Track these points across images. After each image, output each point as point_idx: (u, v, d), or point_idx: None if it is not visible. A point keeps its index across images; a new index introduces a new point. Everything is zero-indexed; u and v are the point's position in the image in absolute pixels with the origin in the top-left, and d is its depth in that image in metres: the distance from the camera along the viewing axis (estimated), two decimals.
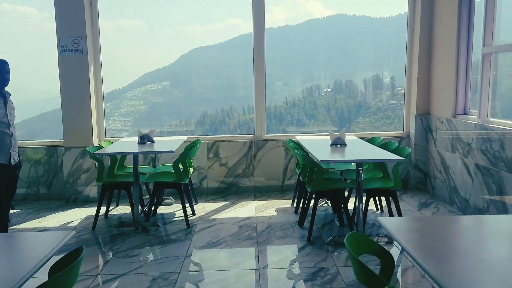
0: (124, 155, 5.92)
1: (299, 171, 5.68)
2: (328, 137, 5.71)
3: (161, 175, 5.49)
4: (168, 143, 5.72)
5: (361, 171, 4.37)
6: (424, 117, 6.45)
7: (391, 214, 4.96)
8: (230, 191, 6.74)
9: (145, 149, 5.38)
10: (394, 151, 4.80)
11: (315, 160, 4.46)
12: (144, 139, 5.67)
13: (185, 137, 6.28)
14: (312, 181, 4.61)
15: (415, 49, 6.49)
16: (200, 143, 5.90)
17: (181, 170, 5.38)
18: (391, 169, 4.91)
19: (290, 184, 6.74)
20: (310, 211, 4.89)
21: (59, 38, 6.28)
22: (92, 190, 6.43)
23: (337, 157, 4.70)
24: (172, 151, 4.99)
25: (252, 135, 6.81)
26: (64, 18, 6.25)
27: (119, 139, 6.43)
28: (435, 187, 6.17)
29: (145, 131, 5.74)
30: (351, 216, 4.91)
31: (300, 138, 5.99)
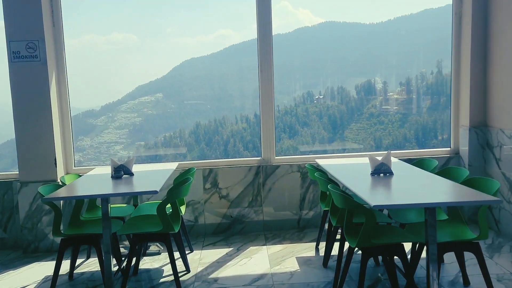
0: None
1: (326, 208, 4.28)
2: (361, 160, 4.38)
3: (143, 221, 4.05)
4: (151, 175, 4.31)
5: (433, 218, 2.96)
6: (480, 130, 5.06)
7: (465, 278, 3.55)
8: (234, 230, 5.32)
9: (120, 187, 3.94)
10: (467, 183, 3.38)
11: (365, 205, 3.05)
12: (120, 171, 4.25)
13: (175, 164, 4.87)
14: (355, 232, 3.20)
15: (465, 43, 5.11)
16: (194, 174, 4.49)
17: (169, 213, 3.96)
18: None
19: (309, 219, 5.33)
20: (341, 264, 3.46)
21: (9, 42, 4.87)
22: None
23: (394, 198, 3.26)
24: (155, 192, 3.55)
25: (258, 158, 5.41)
26: (16, 16, 4.84)
27: (93, 168, 5.03)
28: (502, 222, 4.76)
29: (121, 161, 4.35)
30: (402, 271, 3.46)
31: (322, 163, 4.59)
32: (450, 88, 5.38)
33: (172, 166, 4.74)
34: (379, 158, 3.92)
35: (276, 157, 5.37)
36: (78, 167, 5.35)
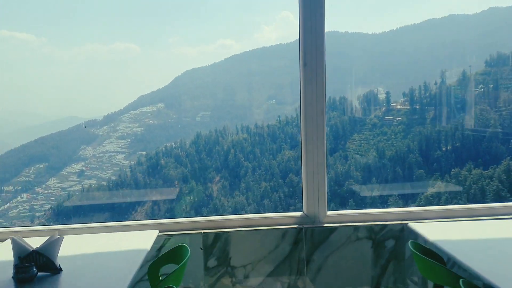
0: None
1: None
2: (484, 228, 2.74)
3: None
4: (100, 273, 2.16)
5: None
6: None
7: None
8: None
9: None
10: None
11: None
12: (30, 267, 2.08)
13: (153, 235, 2.72)
14: None
15: None
16: (186, 264, 2.33)
17: None
18: None
19: None
20: None
21: None
22: None
23: None
24: None
25: (298, 213, 3.25)
26: None
27: (11, 234, 2.89)
28: None
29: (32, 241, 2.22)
30: None
31: (434, 237, 2.69)
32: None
33: (147, 241, 2.57)
34: None
35: (328, 213, 3.21)
36: (6, 229, 3.16)
